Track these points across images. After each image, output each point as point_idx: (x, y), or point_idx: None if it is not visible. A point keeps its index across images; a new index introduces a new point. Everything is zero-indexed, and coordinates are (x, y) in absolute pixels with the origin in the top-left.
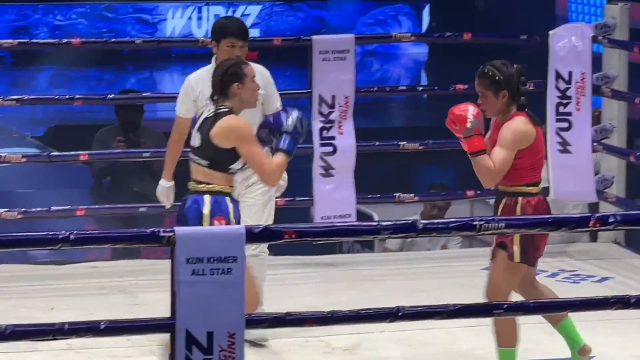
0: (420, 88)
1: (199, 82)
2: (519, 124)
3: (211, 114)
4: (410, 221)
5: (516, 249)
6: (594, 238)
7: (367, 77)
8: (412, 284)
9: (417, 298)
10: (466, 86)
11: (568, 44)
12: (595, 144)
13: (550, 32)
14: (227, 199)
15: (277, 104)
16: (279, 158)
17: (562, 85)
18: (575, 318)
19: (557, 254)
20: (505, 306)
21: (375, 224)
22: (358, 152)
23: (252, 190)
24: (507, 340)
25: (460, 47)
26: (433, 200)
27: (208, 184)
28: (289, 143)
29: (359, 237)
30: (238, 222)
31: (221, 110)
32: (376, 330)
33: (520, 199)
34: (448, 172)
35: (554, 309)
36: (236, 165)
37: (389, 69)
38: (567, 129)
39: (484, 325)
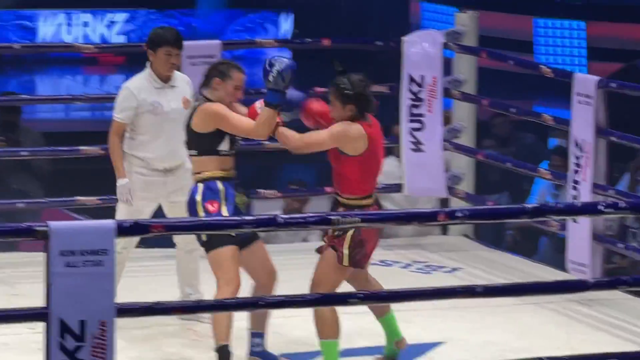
0: None
1: (140, 89)
2: (346, 124)
3: (191, 110)
4: (271, 216)
5: (346, 253)
6: (445, 231)
7: None
8: None
9: (278, 288)
10: (324, 89)
11: (420, 50)
12: (446, 143)
13: (404, 39)
14: (218, 182)
15: None
16: (265, 113)
17: (415, 89)
18: (428, 306)
19: (410, 247)
20: (361, 295)
21: (238, 218)
22: None
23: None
24: (327, 332)
25: (321, 53)
26: (294, 196)
27: (199, 172)
28: (272, 96)
29: (222, 230)
30: (231, 201)
31: (198, 103)
32: (240, 319)
33: (356, 210)
34: (310, 170)
35: (406, 298)
36: (223, 146)
37: (256, 73)
38: (419, 129)
39: (345, 313)
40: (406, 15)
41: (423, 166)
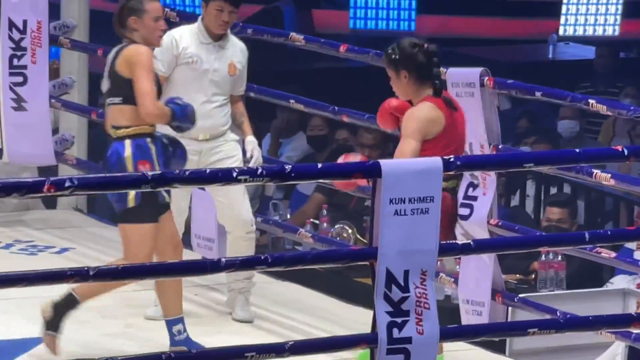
0: None
1: (183, 38)
2: (422, 111)
3: (116, 51)
4: None
5: None
6: (52, 205)
7: None
8: None
9: None
10: None
11: None
12: (53, 100)
13: None
14: (148, 140)
15: (241, 87)
16: (166, 109)
17: (17, 36)
18: (33, 294)
19: (12, 223)
20: None
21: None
22: None
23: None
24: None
25: None
26: None
27: (127, 127)
28: (180, 109)
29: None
30: (165, 164)
31: (124, 44)
32: None
33: None
34: None
35: (5, 283)
36: None
37: None
38: (22, 84)
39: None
40: None
41: (26, 128)
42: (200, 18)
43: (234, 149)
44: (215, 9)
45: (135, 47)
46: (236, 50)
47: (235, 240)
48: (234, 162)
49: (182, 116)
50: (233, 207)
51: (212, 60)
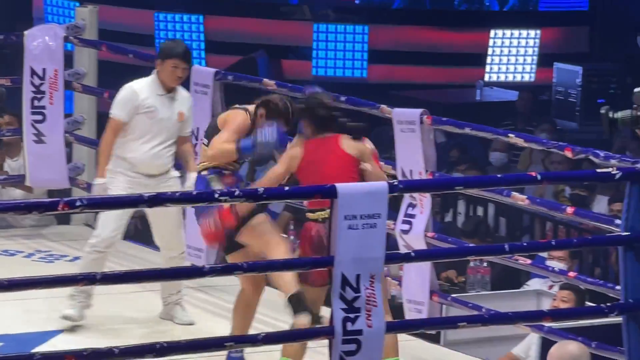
0: None
1: (142, 91)
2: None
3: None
4: None
5: None
6: (66, 221)
7: None
8: None
9: None
10: None
11: (42, 43)
12: (67, 134)
13: (25, 32)
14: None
15: (188, 129)
16: (229, 147)
17: (37, 81)
18: (48, 294)
19: (33, 236)
20: None
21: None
22: None
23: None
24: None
25: None
26: None
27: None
28: (247, 145)
29: None
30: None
31: (234, 106)
32: None
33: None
34: None
35: (28, 286)
36: None
37: None
38: (41, 121)
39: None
40: (29, 9)
41: (45, 158)
42: (155, 72)
43: (174, 185)
44: (172, 66)
45: (232, 111)
46: (184, 99)
47: (171, 260)
48: None
49: (252, 148)
50: (172, 229)
51: (165, 109)
